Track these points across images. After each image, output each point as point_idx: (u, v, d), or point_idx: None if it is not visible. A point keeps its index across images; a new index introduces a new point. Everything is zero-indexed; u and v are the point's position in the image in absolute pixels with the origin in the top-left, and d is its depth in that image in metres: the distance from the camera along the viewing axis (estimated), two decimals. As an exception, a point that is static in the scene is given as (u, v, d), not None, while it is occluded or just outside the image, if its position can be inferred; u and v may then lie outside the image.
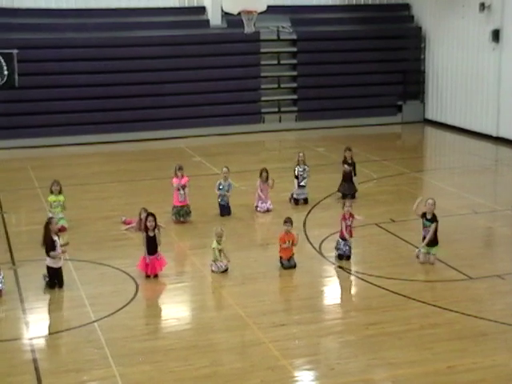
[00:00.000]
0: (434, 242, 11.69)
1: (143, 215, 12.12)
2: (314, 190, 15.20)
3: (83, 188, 16.42)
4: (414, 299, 10.35)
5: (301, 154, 15.23)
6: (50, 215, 12.56)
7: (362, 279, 11.20)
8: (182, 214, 13.91)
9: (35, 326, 9.82)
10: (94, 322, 9.73)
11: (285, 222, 11.66)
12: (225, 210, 14.27)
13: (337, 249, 11.92)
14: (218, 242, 11.43)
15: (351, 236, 11.86)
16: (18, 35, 21.16)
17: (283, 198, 15.05)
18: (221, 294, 10.93)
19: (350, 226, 11.85)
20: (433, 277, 11.28)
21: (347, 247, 11.84)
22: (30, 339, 9.36)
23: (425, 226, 11.73)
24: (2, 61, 20.61)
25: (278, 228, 12.21)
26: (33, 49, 21.16)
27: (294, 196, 14.98)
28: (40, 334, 9.58)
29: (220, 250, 11.43)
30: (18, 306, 10.31)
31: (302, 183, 14.95)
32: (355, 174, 15.42)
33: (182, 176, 13.98)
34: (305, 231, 13.19)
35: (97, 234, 13.40)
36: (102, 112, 21.84)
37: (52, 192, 13.50)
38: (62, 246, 11.07)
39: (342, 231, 11.86)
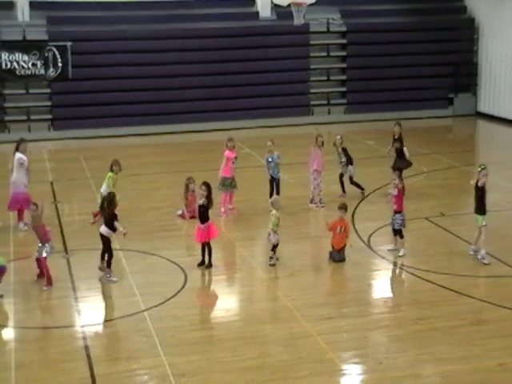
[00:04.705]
0: (477, 210, 11.40)
1: (191, 185, 13.37)
2: (362, 183, 15.07)
3: (134, 178, 16.60)
4: (464, 294, 10.23)
5: (338, 137, 15.12)
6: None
7: (411, 273, 11.11)
8: (228, 185, 14.01)
9: (87, 313, 10.03)
10: (143, 311, 9.88)
11: (339, 208, 11.67)
12: (274, 181, 14.20)
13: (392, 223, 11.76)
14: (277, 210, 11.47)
15: (400, 207, 11.62)
16: (71, 28, 21.51)
17: (332, 191, 14.99)
18: (269, 285, 10.97)
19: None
20: (484, 272, 11.13)
21: (400, 220, 11.64)
22: (82, 327, 9.57)
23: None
24: (57, 53, 20.99)
25: (327, 220, 12.14)
26: (85, 41, 21.49)
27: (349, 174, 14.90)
28: (91, 321, 9.77)
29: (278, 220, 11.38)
30: (70, 294, 10.53)
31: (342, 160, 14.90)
32: (403, 146, 15.15)
33: (234, 147, 14.12)
34: (353, 224, 13.13)
35: (147, 224, 13.57)
36: (153, 103, 22.06)
37: (113, 171, 13.37)
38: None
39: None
